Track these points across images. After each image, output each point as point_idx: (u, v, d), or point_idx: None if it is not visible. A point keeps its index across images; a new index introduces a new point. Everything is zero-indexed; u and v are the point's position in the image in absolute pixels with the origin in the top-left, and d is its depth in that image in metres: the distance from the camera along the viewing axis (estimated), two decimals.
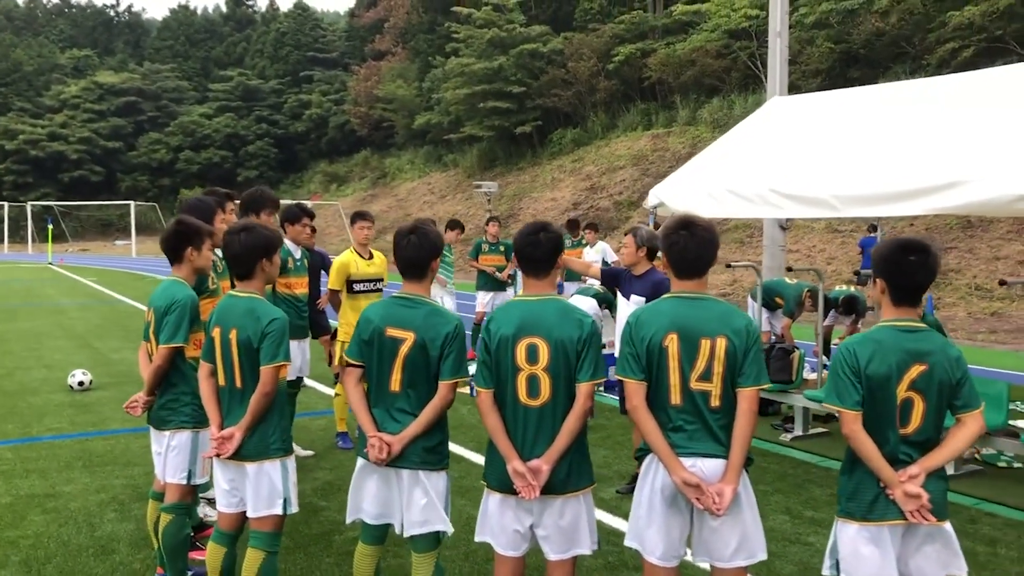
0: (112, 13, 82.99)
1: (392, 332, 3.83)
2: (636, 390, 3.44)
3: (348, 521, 4.00)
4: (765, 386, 3.44)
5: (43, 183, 60.85)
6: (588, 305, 10.00)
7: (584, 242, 13.57)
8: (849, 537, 3.35)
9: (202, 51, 73.95)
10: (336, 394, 7.95)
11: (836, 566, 3.41)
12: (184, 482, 4.49)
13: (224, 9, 78.92)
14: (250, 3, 79.23)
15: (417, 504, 3.83)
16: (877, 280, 3.41)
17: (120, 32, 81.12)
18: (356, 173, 57.19)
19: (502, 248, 12.57)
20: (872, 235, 18.93)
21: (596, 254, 12.96)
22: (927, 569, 3.35)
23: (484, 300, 12.33)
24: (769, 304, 10.69)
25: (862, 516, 3.32)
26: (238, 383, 4.05)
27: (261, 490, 4.04)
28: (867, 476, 3.32)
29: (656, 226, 8.77)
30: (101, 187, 61.71)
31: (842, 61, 29.38)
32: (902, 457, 3.31)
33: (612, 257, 13.15)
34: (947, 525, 3.35)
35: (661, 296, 5.96)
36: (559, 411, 3.55)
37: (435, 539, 3.88)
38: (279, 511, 4.07)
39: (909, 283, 3.33)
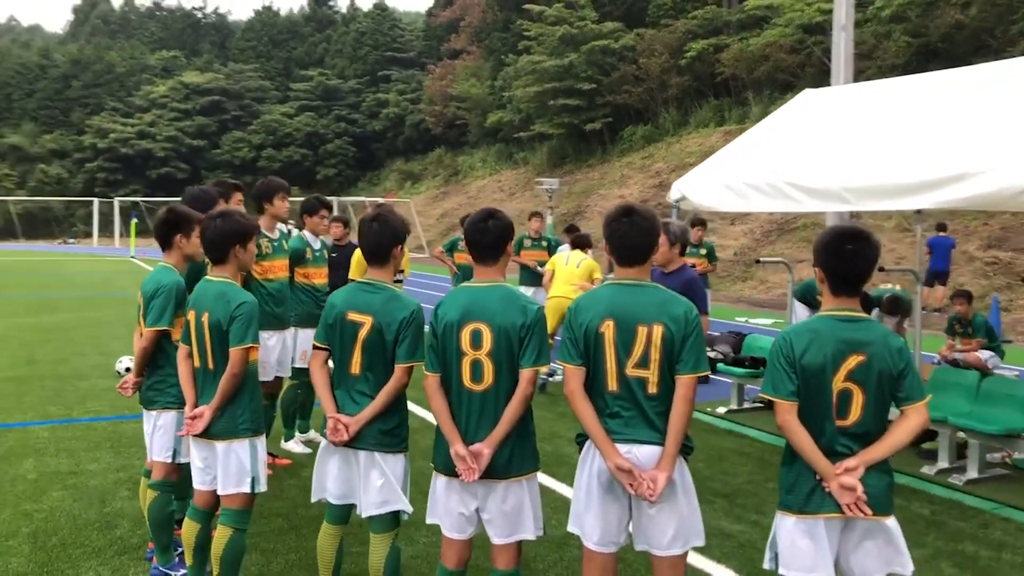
0: (200, 15, 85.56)
1: (352, 316, 3.92)
2: (573, 375, 3.45)
3: (313, 500, 4.11)
4: (703, 373, 3.41)
5: (132, 180, 63.12)
6: None
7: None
8: (787, 530, 3.30)
9: (284, 51, 75.61)
10: None
11: (776, 559, 3.36)
12: (169, 460, 4.66)
13: (306, 10, 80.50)
14: (331, 4, 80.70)
15: (374, 485, 3.91)
16: (816, 269, 3.35)
17: (207, 33, 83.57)
18: (430, 171, 57.82)
19: (544, 243, 12.62)
20: (941, 235, 18.30)
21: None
22: (868, 565, 3.28)
23: (528, 294, 12.38)
24: (811, 302, 10.47)
25: (799, 509, 3.27)
26: (210, 364, 4.20)
27: (229, 468, 4.17)
28: (805, 468, 3.26)
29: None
30: (186, 184, 63.29)
31: (920, 55, 28.44)
32: (840, 449, 3.24)
33: None
34: (890, 521, 3.27)
35: (693, 295, 5.95)
36: (502, 396, 3.58)
37: (392, 520, 3.96)
38: (247, 489, 4.19)
39: (846, 272, 3.27)
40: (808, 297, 10.47)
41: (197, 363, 4.26)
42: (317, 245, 7.33)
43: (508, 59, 48.62)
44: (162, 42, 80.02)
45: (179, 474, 4.69)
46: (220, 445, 4.17)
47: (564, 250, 12.61)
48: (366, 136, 66.10)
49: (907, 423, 3.27)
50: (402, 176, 60.29)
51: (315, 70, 70.16)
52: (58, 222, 60.50)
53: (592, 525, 3.47)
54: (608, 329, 3.40)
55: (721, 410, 9.01)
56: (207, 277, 4.33)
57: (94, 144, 64.05)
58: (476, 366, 3.59)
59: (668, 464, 3.33)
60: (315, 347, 4.05)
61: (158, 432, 4.66)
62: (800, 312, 10.60)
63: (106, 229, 55.95)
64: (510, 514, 3.63)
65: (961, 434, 6.96)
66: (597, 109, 41.19)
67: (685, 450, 3.47)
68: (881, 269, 9.54)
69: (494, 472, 3.58)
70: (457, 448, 3.58)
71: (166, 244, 4.76)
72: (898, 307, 10.40)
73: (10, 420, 8.16)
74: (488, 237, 3.70)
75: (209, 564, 4.27)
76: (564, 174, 41.60)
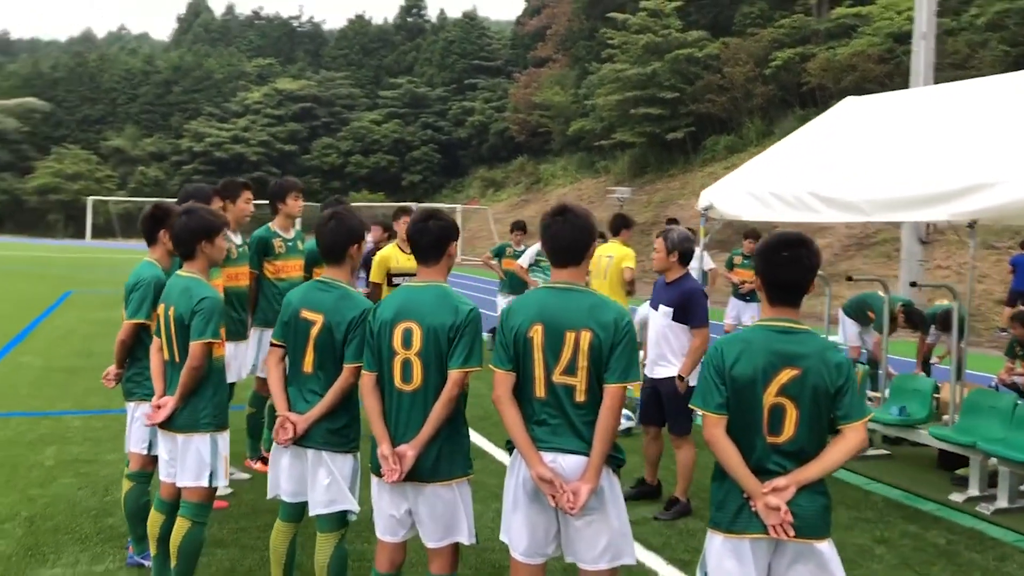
0: (296, 24, 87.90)
1: (305, 314, 3.92)
2: (501, 380, 3.35)
3: (268, 497, 4.12)
4: (633, 383, 3.28)
5: None
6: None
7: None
8: (715, 549, 3.13)
9: (375, 59, 77.03)
10: None
11: None
12: (144, 452, 4.74)
13: (397, 19, 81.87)
14: (422, 13, 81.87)
15: (321, 484, 3.89)
16: (755, 278, 3.19)
17: (301, 41, 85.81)
18: (512, 179, 58.03)
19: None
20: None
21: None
22: None
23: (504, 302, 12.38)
24: (861, 318, 10.09)
25: (727, 527, 3.10)
26: (176, 358, 4.25)
27: (189, 461, 4.21)
28: (734, 486, 3.09)
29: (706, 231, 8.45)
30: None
31: (1018, 65, 27.21)
32: (772, 467, 3.06)
33: (709, 264, 12.70)
34: (823, 545, 3.07)
35: (692, 307, 5.78)
36: (430, 397, 3.51)
37: (339, 519, 3.93)
38: (205, 483, 4.22)
39: (781, 280, 3.09)
40: (859, 313, 10.10)
41: (166, 356, 4.32)
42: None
43: (592, 67, 48.50)
44: (259, 50, 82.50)
45: (155, 465, 4.75)
46: (181, 438, 4.21)
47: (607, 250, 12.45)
48: (451, 143, 66.78)
49: (843, 443, 3.07)
50: (484, 183, 60.69)
51: (404, 78, 71.29)
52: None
53: (518, 535, 3.36)
54: (537, 334, 3.29)
55: None
56: (177, 272, 4.39)
57: (191, 148, 66.37)
58: (406, 366, 3.53)
59: (592, 476, 3.21)
60: (272, 344, 4.06)
61: (135, 423, 4.75)
62: (849, 328, 10.24)
63: None
64: (440, 518, 3.55)
65: (993, 460, 6.58)
66: (680, 118, 40.69)
67: (615, 462, 3.34)
68: (912, 284, 9.15)
69: (420, 475, 3.51)
70: (382, 448, 3.53)
71: (151, 239, 4.85)
72: (950, 323, 9.94)
73: (50, 408, 8.46)
74: (428, 237, 3.65)
75: None
76: (644, 183, 41.23)
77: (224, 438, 4.31)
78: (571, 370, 3.25)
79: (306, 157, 67.92)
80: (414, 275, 7.63)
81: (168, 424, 4.22)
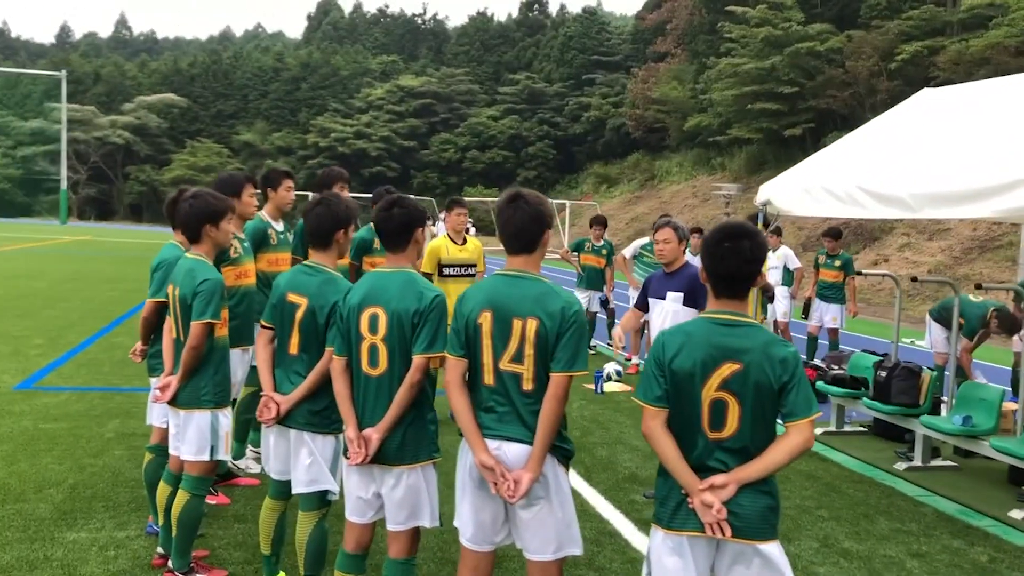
0: (419, 21, 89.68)
1: (291, 297, 4.01)
2: (452, 366, 3.35)
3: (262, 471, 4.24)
4: (579, 373, 3.22)
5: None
6: None
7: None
8: (656, 544, 3.05)
9: (495, 56, 77.82)
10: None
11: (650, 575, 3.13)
12: (164, 426, 4.90)
13: (518, 15, 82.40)
14: (543, 9, 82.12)
15: (303, 463, 3.98)
16: (700, 271, 3.08)
17: (424, 38, 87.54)
18: (626, 175, 57.58)
19: (604, 251, 12.44)
20: None
21: (777, 260, 12.18)
22: None
23: (582, 297, 12.26)
24: (948, 322, 9.58)
25: (667, 523, 3.01)
26: (182, 336, 4.42)
27: (190, 436, 4.37)
28: (677, 482, 3.01)
29: (765, 224, 8.18)
30: (396, 182, 66.54)
31: None
32: (714, 464, 2.95)
33: (795, 263, 12.32)
34: (767, 547, 2.94)
35: (701, 289, 5.67)
36: (396, 382, 3.53)
37: (319, 499, 4.01)
38: (206, 457, 4.38)
39: (722, 272, 2.98)
40: (946, 316, 9.58)
41: (174, 335, 4.51)
42: None
43: (710, 62, 47.55)
44: (384, 47, 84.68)
45: None
46: (184, 413, 4.38)
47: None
48: (567, 139, 66.82)
49: (786, 442, 2.93)
50: (599, 179, 60.42)
51: (522, 74, 71.74)
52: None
53: (465, 522, 3.35)
54: (486, 321, 3.27)
55: (818, 431, 8.41)
56: (185, 255, 4.57)
57: (316, 143, 68.77)
58: (373, 351, 3.57)
59: (534, 465, 3.17)
60: (261, 326, 4.18)
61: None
62: (937, 333, 9.74)
63: None
64: (403, 501, 3.57)
65: None
66: (799, 114, 39.46)
67: (564, 453, 3.28)
68: (978, 287, 8.57)
69: (385, 458, 3.54)
70: (348, 431, 3.58)
71: (175, 223, 5.05)
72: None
73: (125, 385, 8.93)
74: (392, 224, 3.67)
75: None
76: (761, 181, 40.10)
77: (225, 415, 4.45)
78: (518, 358, 3.22)
79: (424, 152, 69.27)
80: (465, 266, 7.86)
81: (173, 400, 4.40)
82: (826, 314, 11.56)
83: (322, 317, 3.92)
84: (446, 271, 7.73)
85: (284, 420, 3.99)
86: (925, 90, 7.82)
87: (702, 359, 2.93)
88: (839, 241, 11.80)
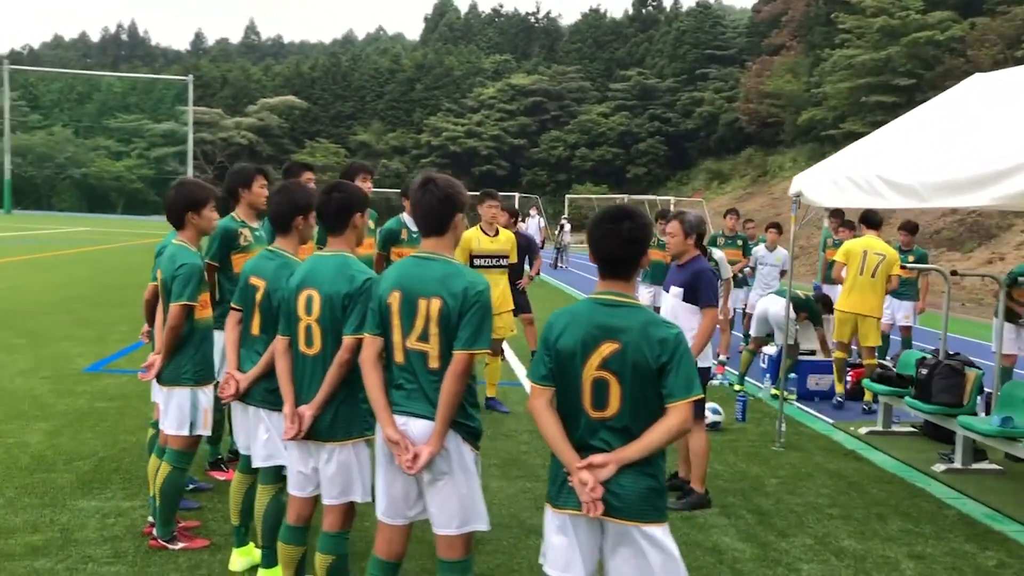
0: (533, 20, 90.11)
1: (252, 280, 4.20)
2: (367, 344, 3.45)
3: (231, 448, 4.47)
4: (480, 352, 3.27)
5: (457, 176, 66.58)
6: (780, 306, 9.29)
7: (737, 242, 12.29)
8: (547, 522, 3.09)
9: (607, 52, 77.42)
10: (486, 363, 8.39)
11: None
12: None
13: (631, 11, 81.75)
14: (656, 4, 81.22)
15: (260, 439, 4.17)
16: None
17: (537, 37, 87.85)
18: (738, 171, 56.42)
19: (739, 242, 12.09)
20: None
21: (776, 262, 11.73)
22: (624, 574, 2.98)
23: (648, 293, 12.00)
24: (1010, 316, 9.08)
25: (553, 501, 3.05)
26: (164, 318, 4.70)
27: (171, 412, 4.64)
28: None
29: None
30: (505, 181, 67.38)
31: None
32: (597, 444, 2.96)
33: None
34: (654, 530, 2.93)
35: (700, 287, 5.61)
36: (329, 361, 3.67)
37: (275, 473, 4.18)
38: (185, 432, 4.63)
39: (603, 252, 3.00)
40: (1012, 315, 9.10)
41: (162, 316, 4.79)
42: (415, 228, 7.65)
43: (825, 54, 46.10)
44: (497, 46, 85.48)
45: None
46: (165, 390, 4.65)
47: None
48: (678, 135, 65.90)
49: (664, 423, 2.91)
50: (710, 175, 59.40)
51: (634, 70, 71.17)
52: (392, 212, 66.98)
53: (380, 495, 3.44)
54: (395, 301, 3.36)
55: (863, 430, 8.13)
56: (171, 240, 4.83)
57: (429, 142, 70.07)
58: (308, 331, 3.71)
59: (435, 440, 3.24)
60: (232, 308, 4.38)
61: None
62: (1007, 333, 9.25)
63: None
64: (336, 476, 3.70)
65: None
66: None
67: (468, 430, 3.33)
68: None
69: (318, 434, 3.69)
70: (285, 408, 3.74)
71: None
72: None
73: None
74: (331, 208, 3.80)
75: None
76: None
77: (205, 392, 4.69)
78: (424, 337, 3.30)
79: (534, 150, 69.54)
80: (496, 257, 7.95)
81: (157, 377, 4.68)
82: (898, 311, 11.09)
83: (276, 299, 4.09)
84: (477, 262, 7.83)
85: (244, 397, 4.18)
86: (977, 75, 7.43)
87: (583, 338, 2.95)
88: (914, 236, 11.29)
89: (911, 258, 11.02)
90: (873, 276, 8.78)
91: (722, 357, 10.98)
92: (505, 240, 8.03)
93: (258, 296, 4.16)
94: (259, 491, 4.24)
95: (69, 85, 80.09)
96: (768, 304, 9.69)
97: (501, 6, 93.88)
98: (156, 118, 74.19)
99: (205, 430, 4.72)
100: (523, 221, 24.80)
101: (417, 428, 3.31)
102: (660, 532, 2.95)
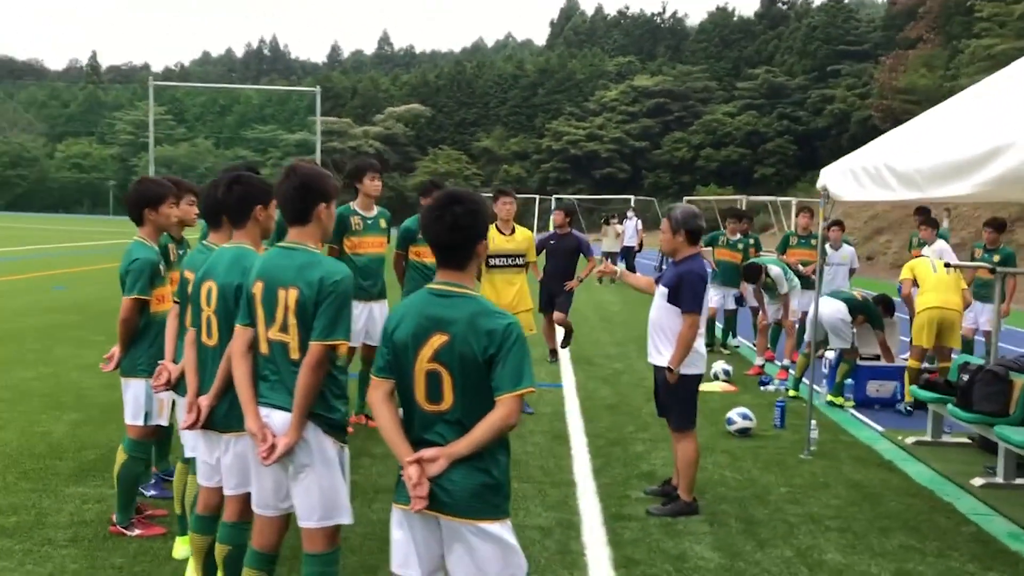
0: (658, 20, 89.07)
1: (187, 274, 4.27)
2: (237, 334, 3.44)
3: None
4: (337, 343, 3.21)
5: (578, 179, 67.97)
6: (833, 309, 8.81)
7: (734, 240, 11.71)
8: (392, 517, 3.03)
9: (734, 51, 75.73)
10: None
11: None
12: None
13: (759, 8, 79.65)
14: (785, 1, 78.80)
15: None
16: None
17: (663, 37, 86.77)
18: None
19: (813, 241, 11.55)
20: None
21: (842, 260, 11.09)
22: (457, 571, 2.87)
23: (717, 294, 11.63)
24: None
25: (395, 497, 2.98)
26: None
27: (128, 402, 4.80)
28: None
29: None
30: (627, 183, 66.74)
31: None
32: (433, 438, 2.86)
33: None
34: (490, 527, 2.81)
35: (683, 289, 5.35)
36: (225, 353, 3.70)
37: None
38: (140, 422, 4.77)
39: (431, 239, 2.92)
40: None
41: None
42: None
43: (962, 44, 43.54)
44: (621, 48, 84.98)
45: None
46: (123, 380, 4.81)
47: (931, 251, 11.13)
48: (808, 134, 63.78)
49: (490, 417, 2.77)
50: None
51: (762, 68, 69.37)
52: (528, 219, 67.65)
53: (253, 487, 3.46)
54: (258, 291, 3.34)
55: (910, 440, 7.60)
56: (135, 237, 4.97)
57: (550, 146, 70.34)
58: (208, 322, 3.74)
59: (291, 432, 3.20)
60: (172, 301, 4.49)
61: None
62: None
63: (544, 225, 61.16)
64: (231, 468, 3.70)
65: None
66: None
67: (328, 422, 3.27)
68: None
69: (214, 425, 3.69)
70: (187, 398, 3.79)
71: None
72: None
73: None
74: (231, 200, 3.82)
75: None
76: None
77: None
78: (284, 327, 3.26)
79: (656, 152, 68.74)
80: (511, 256, 7.86)
81: (117, 369, 4.86)
82: (981, 315, 10.34)
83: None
84: (492, 261, 7.76)
85: (176, 388, 4.28)
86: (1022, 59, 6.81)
87: (414, 330, 2.87)
88: (1001, 233, 10.50)
89: (996, 258, 10.24)
90: (948, 272, 8.44)
91: (785, 362, 10.51)
92: (522, 239, 7.92)
93: (190, 289, 4.24)
94: (189, 480, 4.31)
95: (212, 99, 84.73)
96: (821, 307, 9.19)
97: (627, 8, 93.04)
98: (290, 128, 77.57)
99: (161, 420, 4.84)
100: (620, 223, 24.46)
101: (279, 419, 3.29)
102: (499, 529, 2.84)
